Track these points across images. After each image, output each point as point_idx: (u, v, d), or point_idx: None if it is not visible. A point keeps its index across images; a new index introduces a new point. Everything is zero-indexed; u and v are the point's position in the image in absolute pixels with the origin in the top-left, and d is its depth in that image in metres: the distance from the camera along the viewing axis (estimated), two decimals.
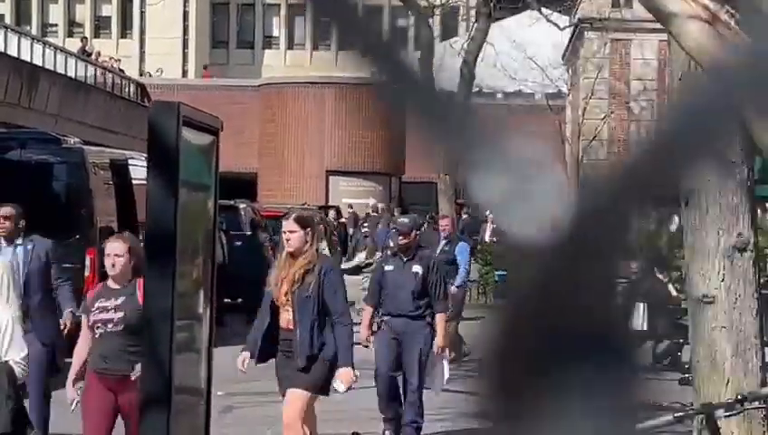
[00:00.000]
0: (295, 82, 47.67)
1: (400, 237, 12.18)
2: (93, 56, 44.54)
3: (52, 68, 36.12)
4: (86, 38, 52.57)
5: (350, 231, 32.45)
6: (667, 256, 25.72)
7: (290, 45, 71.16)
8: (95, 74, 41.63)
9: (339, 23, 1.52)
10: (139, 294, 8.22)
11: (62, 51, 39.24)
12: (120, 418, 8.48)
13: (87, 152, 19.83)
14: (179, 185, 5.95)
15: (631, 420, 1.21)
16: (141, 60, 66.59)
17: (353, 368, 9.20)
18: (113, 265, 8.44)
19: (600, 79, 35.22)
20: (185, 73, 65.56)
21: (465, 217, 33.95)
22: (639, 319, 18.87)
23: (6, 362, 8.11)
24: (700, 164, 1.23)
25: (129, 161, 20.45)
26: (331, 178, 45.23)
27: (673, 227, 24.90)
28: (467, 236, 26.33)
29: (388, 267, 12.13)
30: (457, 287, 17.99)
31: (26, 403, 11.52)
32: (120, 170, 20.25)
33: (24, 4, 68.24)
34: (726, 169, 6.40)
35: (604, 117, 35.02)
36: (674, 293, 19.09)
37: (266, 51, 70.84)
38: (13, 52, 33.24)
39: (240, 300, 24.93)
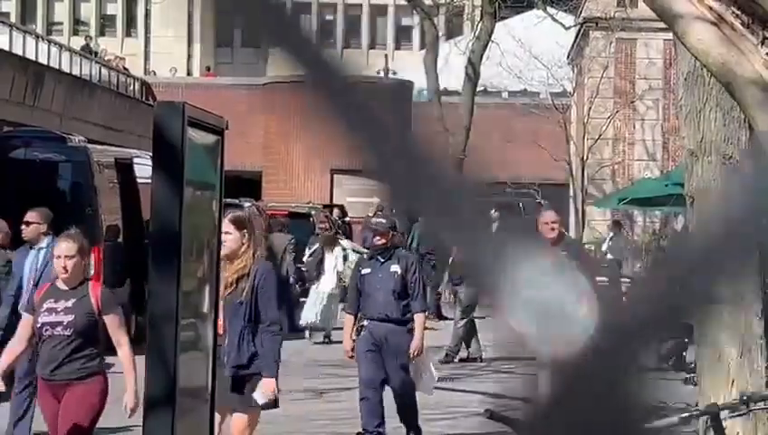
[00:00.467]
0: (300, 81, 47.62)
1: (377, 237, 11.72)
2: (100, 55, 44.55)
3: (57, 66, 36.13)
4: (90, 36, 52.57)
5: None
6: None
7: None
8: (100, 73, 41.64)
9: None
10: (93, 296, 7.94)
11: (67, 49, 39.26)
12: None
13: (92, 151, 19.85)
14: (184, 184, 5.95)
15: None
16: (146, 58, 66.59)
17: (276, 379, 8.68)
18: (65, 268, 8.04)
19: (606, 78, 35.17)
20: (189, 72, 65.55)
21: None
22: None
23: None
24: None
25: (135, 160, 20.47)
26: (335, 176, 45.20)
27: (678, 226, 24.94)
28: None
29: (365, 270, 11.66)
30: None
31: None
32: (125, 169, 20.26)
33: (30, 2, 68.28)
34: (731, 170, 6.39)
35: (609, 116, 34.98)
36: None
37: (271, 49, 70.81)
38: (18, 50, 33.25)
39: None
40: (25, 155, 19.38)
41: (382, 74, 52.23)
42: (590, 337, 1.36)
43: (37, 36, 38.45)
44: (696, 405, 6.32)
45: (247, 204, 28.26)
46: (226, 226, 8.59)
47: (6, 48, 32.37)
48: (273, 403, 8.71)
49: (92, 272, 17.07)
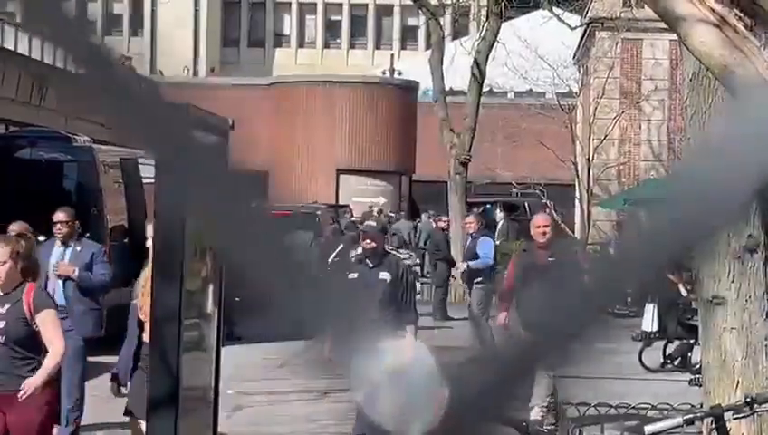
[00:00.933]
0: (306, 81, 47.69)
1: (367, 241, 11.13)
2: None
3: (62, 66, 36.16)
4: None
5: None
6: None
7: (301, 44, 71.17)
8: None
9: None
10: (26, 301, 7.56)
11: None
12: None
13: (97, 151, 19.86)
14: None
15: None
16: (152, 58, 66.65)
17: None
18: None
19: (611, 78, 35.14)
20: (196, 72, 65.61)
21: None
22: (649, 319, 18.85)
23: None
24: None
25: (140, 160, 20.47)
26: (341, 176, 45.22)
27: None
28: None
29: (352, 275, 11.08)
30: (469, 266, 18.59)
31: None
32: (130, 169, 20.26)
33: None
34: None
35: (615, 117, 34.95)
36: (684, 293, 19.05)
37: (277, 49, 70.86)
38: (23, 50, 33.28)
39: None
40: (31, 155, 19.41)
41: (388, 74, 52.25)
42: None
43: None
44: (701, 406, 6.32)
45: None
46: (152, 231, 8.12)
47: (12, 48, 32.39)
48: None
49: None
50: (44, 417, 7.54)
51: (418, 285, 25.80)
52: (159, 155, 1.33)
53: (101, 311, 12.30)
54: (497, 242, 23.78)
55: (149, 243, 8.16)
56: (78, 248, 11.91)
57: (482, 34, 30.06)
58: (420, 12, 33.47)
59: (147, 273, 8.21)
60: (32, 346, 7.53)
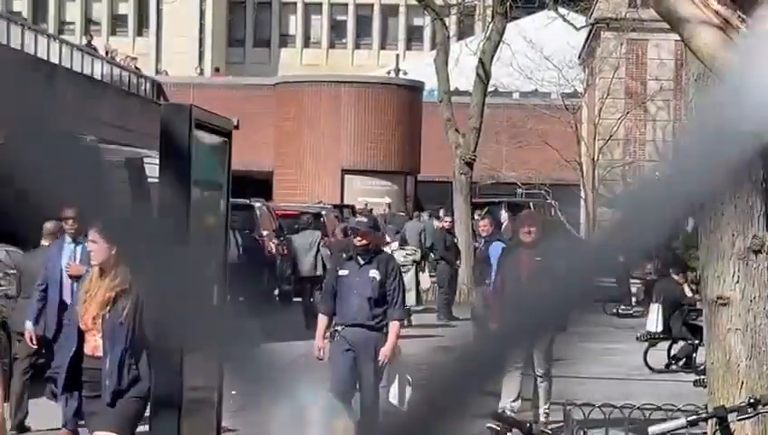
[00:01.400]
0: (311, 81, 47.69)
1: (358, 238, 10.97)
2: (110, 54, 44.61)
3: (68, 66, 36.19)
4: (91, 35, 52.64)
5: None
6: (683, 257, 25.65)
7: (306, 44, 71.19)
8: (111, 72, 41.70)
9: None
10: None
11: (78, 49, 39.33)
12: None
13: (103, 150, 19.86)
14: (191, 184, 5.95)
15: None
16: (157, 58, 66.69)
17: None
18: None
19: (617, 79, 35.15)
20: (201, 72, 65.65)
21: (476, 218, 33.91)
22: (654, 320, 18.83)
23: None
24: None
25: (145, 160, 20.47)
26: (346, 176, 45.22)
27: (688, 228, 24.76)
28: None
29: (342, 272, 10.95)
30: (488, 285, 18.14)
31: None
32: (135, 169, 20.26)
33: (41, 1, 68.43)
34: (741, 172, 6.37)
35: (620, 117, 34.94)
36: (689, 293, 19.03)
37: (282, 49, 70.88)
38: (30, 49, 33.32)
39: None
40: None
41: (393, 74, 52.25)
42: None
43: (49, 36, 38.52)
44: (705, 407, 6.31)
45: (258, 204, 28.32)
46: (92, 234, 7.88)
47: (18, 47, 32.43)
48: None
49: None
50: None
51: (426, 283, 25.82)
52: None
53: None
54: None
55: (90, 245, 7.91)
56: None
57: (487, 35, 30.05)
58: (425, 12, 33.47)
59: (90, 278, 7.93)
60: None
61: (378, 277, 10.73)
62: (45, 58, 34.32)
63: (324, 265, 22.17)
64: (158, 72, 60.37)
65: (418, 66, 50.47)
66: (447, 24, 31.83)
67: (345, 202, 41.57)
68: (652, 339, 18.68)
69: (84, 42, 44.85)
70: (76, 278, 11.47)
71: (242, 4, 70.28)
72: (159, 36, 67.85)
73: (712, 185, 1.37)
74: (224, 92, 49.63)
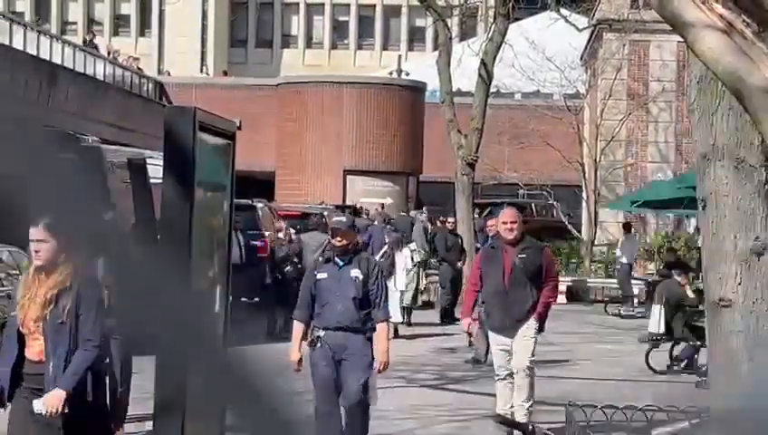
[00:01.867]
0: (313, 82, 47.70)
1: (337, 238, 10.42)
2: (112, 55, 44.62)
3: (70, 66, 36.21)
4: (93, 33, 52.68)
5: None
6: (685, 258, 25.65)
7: (308, 44, 71.21)
8: (113, 73, 41.73)
9: None
10: None
11: (81, 49, 39.36)
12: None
13: (105, 151, 19.90)
14: (195, 185, 5.97)
15: None
16: (160, 58, 66.73)
17: (67, 394, 7.29)
18: None
19: (619, 80, 35.16)
20: (207, 72, 65.67)
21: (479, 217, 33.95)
22: (656, 321, 18.84)
23: None
24: None
25: (148, 160, 20.48)
26: (348, 177, 45.23)
27: (691, 229, 24.84)
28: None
29: (321, 275, 10.41)
30: None
31: None
32: (137, 169, 20.27)
33: (44, 2, 68.47)
34: (744, 173, 6.38)
35: (622, 118, 34.95)
36: (691, 295, 19.04)
37: (284, 50, 70.90)
38: (32, 50, 33.33)
39: (257, 299, 24.93)
40: None
41: (395, 75, 52.26)
42: None
43: (51, 36, 38.54)
44: (707, 409, 6.32)
45: (260, 204, 28.32)
46: (39, 233, 7.46)
47: (21, 48, 32.46)
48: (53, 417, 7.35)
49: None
50: None
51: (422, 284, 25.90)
52: None
53: None
54: None
55: (36, 245, 7.53)
56: None
57: (489, 36, 30.06)
58: (428, 13, 33.48)
59: (28, 279, 7.61)
60: None
61: (360, 277, 10.29)
62: (48, 58, 34.33)
63: None
64: (160, 72, 60.41)
65: (420, 67, 50.48)
66: (450, 24, 31.84)
67: (347, 203, 41.58)
68: (654, 340, 18.69)
69: (88, 40, 44.79)
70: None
71: (244, 4, 70.30)
72: (162, 37, 67.88)
73: None
74: (226, 93, 49.66)
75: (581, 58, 40.05)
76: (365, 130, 45.20)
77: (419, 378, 17.07)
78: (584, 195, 36.33)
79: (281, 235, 25.18)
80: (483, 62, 29.23)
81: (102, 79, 39.44)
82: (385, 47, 70.54)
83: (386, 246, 24.03)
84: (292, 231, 26.41)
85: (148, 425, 10.29)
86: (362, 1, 70.54)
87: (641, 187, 33.37)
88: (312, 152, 45.21)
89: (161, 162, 6.20)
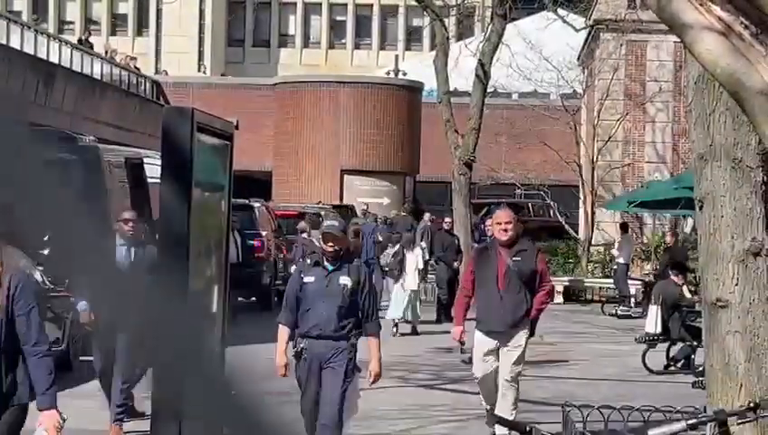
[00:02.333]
0: (311, 81, 47.71)
1: (330, 243, 9.92)
2: (109, 54, 44.60)
3: (68, 66, 36.19)
4: (90, 31, 52.63)
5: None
6: (683, 258, 25.66)
7: (305, 44, 71.20)
8: (111, 72, 41.70)
9: None
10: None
11: (77, 48, 39.34)
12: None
13: (102, 150, 19.89)
14: (193, 185, 5.97)
15: None
16: (157, 58, 66.71)
17: (57, 408, 7.02)
18: None
19: (616, 80, 35.16)
20: (204, 71, 65.65)
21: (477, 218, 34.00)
22: (653, 321, 18.85)
23: None
24: None
25: (145, 160, 20.49)
26: (345, 177, 45.25)
27: (687, 229, 24.88)
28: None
29: (308, 278, 9.95)
30: None
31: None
32: (135, 169, 20.28)
33: (41, 1, 68.43)
34: (741, 173, 6.39)
35: (619, 118, 34.96)
36: (688, 295, 19.06)
37: (282, 49, 70.89)
38: (29, 49, 33.31)
39: (254, 299, 24.99)
40: None
41: (392, 75, 52.27)
42: None
43: (48, 35, 38.52)
44: (704, 409, 6.33)
45: (257, 204, 28.35)
46: None
47: (18, 47, 32.44)
48: None
49: None
50: None
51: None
52: None
53: None
54: None
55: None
56: (142, 252, 12.00)
57: (486, 36, 30.06)
58: (425, 13, 33.48)
59: None
60: None
61: (349, 284, 9.82)
62: (45, 58, 34.31)
63: None
64: (157, 71, 60.39)
65: (417, 67, 50.50)
66: (447, 24, 31.84)
67: (344, 202, 41.60)
68: (651, 340, 18.70)
69: (83, 39, 44.75)
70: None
71: (241, 4, 70.30)
72: (159, 36, 67.87)
73: None
74: (223, 92, 49.68)
75: (579, 58, 40.04)
76: (362, 129, 45.22)
77: (416, 378, 17.09)
78: (581, 195, 36.33)
79: (304, 235, 25.52)
80: (480, 62, 29.22)
81: (100, 78, 39.41)
82: (382, 47, 70.55)
83: (397, 246, 24.50)
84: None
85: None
86: (359, 1, 70.54)
87: (638, 187, 33.36)
88: (309, 152, 45.22)
89: (159, 162, 6.20)
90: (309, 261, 10.30)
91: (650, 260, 31.28)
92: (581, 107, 37.81)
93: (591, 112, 36.12)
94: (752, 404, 4.52)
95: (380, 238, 29.22)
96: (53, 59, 35.11)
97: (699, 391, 11.65)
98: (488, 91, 30.73)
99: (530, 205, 43.07)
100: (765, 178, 6.47)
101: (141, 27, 68.96)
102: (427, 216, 31.84)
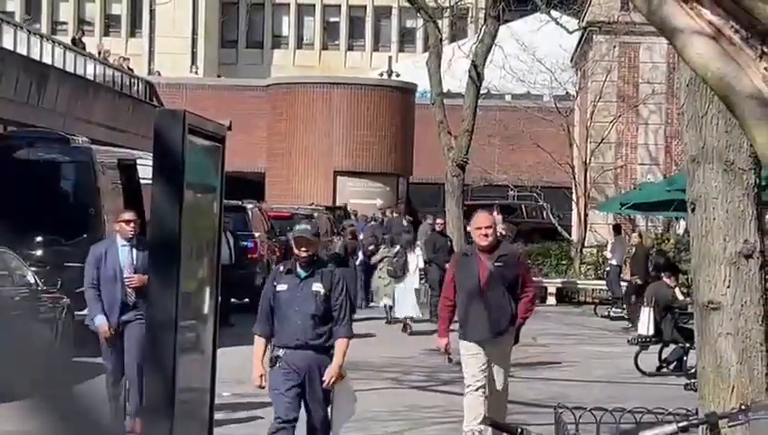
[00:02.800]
0: (304, 82, 47.70)
1: (302, 248, 9.60)
2: (102, 55, 44.56)
3: (61, 66, 36.15)
4: (83, 31, 52.55)
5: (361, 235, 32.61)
6: (675, 260, 25.69)
7: (299, 45, 71.18)
8: (104, 73, 41.67)
9: None
10: None
11: (70, 49, 39.30)
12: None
13: (95, 151, 19.88)
14: (185, 187, 5.98)
15: None
16: (150, 59, 66.65)
17: None
18: None
19: (609, 82, 35.19)
20: (197, 72, 65.58)
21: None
22: (645, 323, 18.87)
23: None
24: None
25: (138, 161, 20.48)
26: (338, 178, 45.24)
27: (680, 231, 24.92)
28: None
29: (280, 287, 9.65)
30: None
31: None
32: (128, 170, 20.28)
33: (34, 1, 68.35)
34: (733, 176, 6.40)
35: (612, 120, 34.99)
36: (681, 296, 19.08)
37: (275, 50, 70.85)
38: (22, 50, 33.27)
39: (247, 300, 24.95)
40: (29, 155, 19.41)
41: (386, 76, 52.28)
42: None
43: (41, 36, 38.48)
44: (696, 411, 6.33)
45: (250, 205, 28.34)
46: None
47: (11, 48, 32.39)
48: None
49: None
50: None
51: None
52: None
53: None
54: None
55: None
56: (141, 249, 12.13)
57: (480, 37, 30.09)
58: (418, 14, 33.51)
59: None
60: None
61: (322, 291, 9.54)
62: (38, 58, 34.27)
63: None
64: (150, 72, 60.33)
65: (411, 68, 50.49)
66: (440, 26, 31.86)
67: (337, 204, 41.59)
68: (643, 342, 18.71)
69: (77, 39, 44.69)
70: (138, 289, 11.79)
71: (235, 5, 70.25)
72: (152, 37, 67.78)
73: None
74: (216, 93, 49.65)
75: (572, 60, 40.07)
76: (355, 131, 45.21)
77: (409, 379, 17.09)
78: (574, 197, 36.37)
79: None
80: (473, 64, 29.25)
81: (93, 79, 39.37)
82: (375, 48, 70.54)
83: (398, 247, 25.03)
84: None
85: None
86: (353, 2, 70.53)
87: (631, 189, 33.39)
88: (302, 153, 45.20)
89: (151, 162, 6.21)
90: (282, 268, 9.94)
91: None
92: (574, 109, 37.85)
93: (584, 114, 36.15)
94: (743, 406, 4.53)
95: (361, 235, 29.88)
96: (46, 59, 35.06)
97: (691, 393, 11.66)
98: (481, 92, 30.76)
99: (523, 206, 43.09)
100: (757, 180, 6.49)
101: (134, 28, 68.88)
102: (429, 219, 31.99)
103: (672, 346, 18.65)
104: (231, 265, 22.49)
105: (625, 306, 27.61)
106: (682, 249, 28.98)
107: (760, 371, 6.40)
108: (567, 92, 38.45)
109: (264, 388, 9.74)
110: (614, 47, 35.24)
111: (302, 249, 9.59)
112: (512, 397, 11.94)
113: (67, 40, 45.47)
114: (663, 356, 18.77)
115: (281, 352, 9.55)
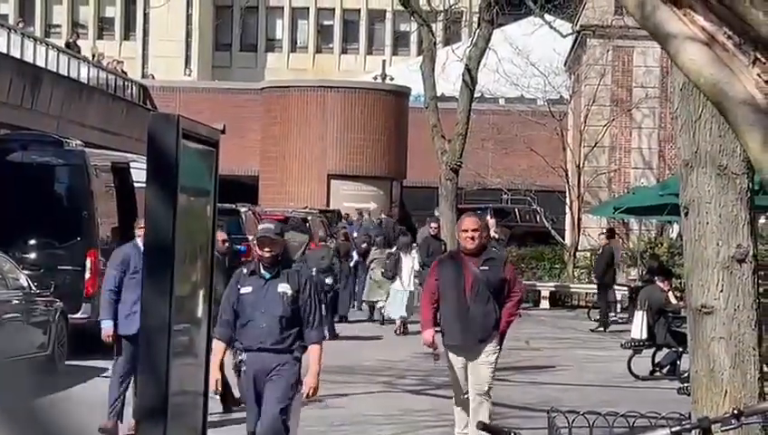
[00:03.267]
0: (298, 86, 47.68)
1: (266, 248, 9.25)
2: (96, 58, 44.51)
3: (54, 69, 36.11)
4: (77, 33, 52.52)
5: (355, 234, 32.63)
6: (668, 264, 25.70)
7: (293, 48, 71.18)
8: (97, 76, 41.63)
9: None
10: None
11: (64, 52, 39.27)
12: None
13: (89, 155, 19.86)
14: (178, 191, 5.98)
15: None
16: (144, 62, 66.62)
17: None
18: None
19: (602, 86, 35.22)
20: (190, 74, 65.56)
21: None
22: (639, 327, 18.88)
23: None
24: None
25: (131, 164, 20.47)
26: (332, 181, 45.23)
27: (673, 235, 24.93)
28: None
29: (244, 289, 9.29)
30: None
31: None
32: (121, 173, 20.27)
33: (28, 4, 68.29)
34: (726, 180, 6.41)
35: (606, 124, 35.02)
36: (674, 301, 19.09)
37: (269, 54, 70.84)
38: (16, 53, 33.24)
39: None
40: (22, 158, 19.40)
41: (379, 80, 52.28)
42: None
43: (35, 39, 38.44)
44: (689, 415, 6.34)
45: (243, 208, 28.32)
46: None
47: (4, 50, 32.36)
48: None
49: (88, 275, 17.23)
50: None
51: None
52: None
53: None
54: None
55: None
56: None
57: (473, 41, 30.09)
58: (412, 18, 33.50)
59: None
60: None
61: (289, 292, 9.19)
62: (32, 61, 34.23)
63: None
64: (144, 75, 60.31)
65: (405, 72, 50.50)
66: (434, 29, 31.86)
67: (331, 207, 41.58)
68: (636, 346, 18.72)
69: (71, 42, 44.64)
70: None
71: (229, 8, 70.23)
72: (146, 40, 67.77)
73: None
74: (210, 96, 49.64)
75: (565, 64, 40.10)
76: (349, 134, 45.20)
77: (402, 383, 17.08)
78: (568, 200, 36.38)
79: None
80: (467, 68, 29.25)
81: (86, 82, 39.33)
82: (369, 52, 70.55)
83: (393, 248, 25.55)
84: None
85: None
86: (347, 5, 70.55)
87: (624, 193, 33.42)
88: (296, 156, 45.19)
89: (145, 166, 6.21)
90: (245, 270, 9.52)
91: (636, 266, 31.32)
92: (568, 113, 37.86)
93: (578, 118, 36.18)
94: (736, 411, 4.54)
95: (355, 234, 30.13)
96: (40, 62, 35.02)
97: (684, 397, 11.67)
98: (475, 96, 30.75)
99: (516, 210, 43.09)
100: (750, 184, 6.50)
101: (128, 31, 68.86)
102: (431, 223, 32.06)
103: (665, 350, 18.67)
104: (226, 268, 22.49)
105: (626, 311, 27.65)
106: (675, 253, 28.99)
107: (753, 375, 6.41)
108: (561, 96, 38.46)
109: (218, 391, 9.52)
110: (608, 51, 35.27)
111: (266, 249, 9.25)
112: (505, 401, 11.94)
113: (61, 43, 45.43)
114: (656, 360, 18.78)
115: (243, 356, 9.23)
